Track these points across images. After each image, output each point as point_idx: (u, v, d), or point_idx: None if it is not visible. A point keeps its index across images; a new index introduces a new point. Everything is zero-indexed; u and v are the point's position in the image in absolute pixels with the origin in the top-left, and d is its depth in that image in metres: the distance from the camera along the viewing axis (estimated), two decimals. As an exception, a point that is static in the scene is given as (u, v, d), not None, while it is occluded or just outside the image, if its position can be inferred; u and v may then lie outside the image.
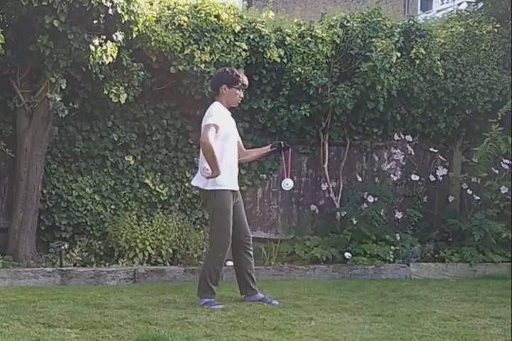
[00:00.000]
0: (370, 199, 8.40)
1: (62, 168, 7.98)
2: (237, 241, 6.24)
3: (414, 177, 8.85)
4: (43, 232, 7.88)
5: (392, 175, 8.61)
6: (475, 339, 5.16)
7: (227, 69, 6.29)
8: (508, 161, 8.57)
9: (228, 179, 6.08)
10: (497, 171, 8.61)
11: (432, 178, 8.92)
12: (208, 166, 5.91)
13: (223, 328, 5.25)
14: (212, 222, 6.18)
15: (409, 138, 8.79)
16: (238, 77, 6.14)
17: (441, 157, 8.97)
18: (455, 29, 9.03)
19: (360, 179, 8.78)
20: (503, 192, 8.59)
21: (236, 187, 6.22)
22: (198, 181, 6.18)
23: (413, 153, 8.85)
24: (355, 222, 8.35)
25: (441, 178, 8.93)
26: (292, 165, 6.55)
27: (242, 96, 6.24)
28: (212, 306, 5.96)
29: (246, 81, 6.24)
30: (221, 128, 5.99)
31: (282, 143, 6.38)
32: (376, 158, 8.88)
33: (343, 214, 8.62)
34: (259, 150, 6.69)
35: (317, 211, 8.75)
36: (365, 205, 8.39)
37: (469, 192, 8.94)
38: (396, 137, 8.80)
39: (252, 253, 6.36)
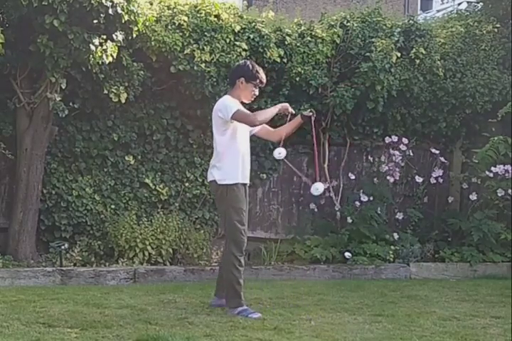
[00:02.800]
0: (364, 198, 8.40)
1: (62, 168, 7.98)
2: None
3: (418, 179, 8.85)
4: (43, 232, 7.88)
5: (388, 177, 8.61)
6: (475, 339, 5.17)
7: (248, 63, 6.10)
8: (502, 167, 8.54)
9: (239, 173, 5.87)
10: (491, 174, 8.60)
11: (433, 181, 8.91)
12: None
13: (223, 328, 5.25)
14: (226, 221, 5.91)
15: (405, 140, 8.75)
16: (257, 73, 5.98)
17: (441, 158, 8.96)
18: (455, 29, 9.04)
19: (356, 179, 8.79)
20: (499, 195, 8.58)
21: (247, 181, 5.99)
22: (211, 176, 5.97)
23: (411, 154, 8.85)
24: (350, 221, 8.35)
25: (441, 180, 8.91)
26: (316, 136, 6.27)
27: (256, 93, 6.06)
28: (249, 315, 5.68)
29: (264, 78, 6.05)
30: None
31: (305, 113, 6.11)
32: (376, 158, 8.89)
33: (341, 214, 8.64)
34: (290, 124, 6.20)
35: (316, 210, 8.75)
36: (359, 204, 8.40)
37: (469, 192, 8.95)
38: (387, 140, 8.76)
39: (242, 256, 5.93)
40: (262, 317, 5.62)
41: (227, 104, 5.87)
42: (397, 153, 8.69)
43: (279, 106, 6.14)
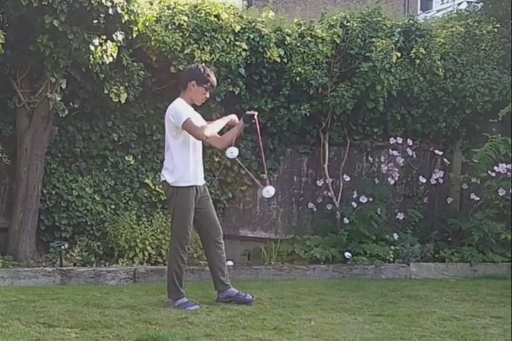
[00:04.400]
0: (363, 199, 8.40)
1: (62, 168, 7.98)
2: (207, 236, 6.28)
3: (422, 179, 8.84)
4: (43, 232, 7.88)
5: (389, 179, 8.60)
6: (475, 338, 5.17)
7: (200, 66, 6.29)
8: (504, 165, 8.55)
9: (190, 175, 6.06)
10: (493, 174, 8.60)
11: (433, 181, 8.91)
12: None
13: (223, 328, 5.26)
14: (173, 220, 6.16)
15: (409, 142, 8.75)
16: (208, 77, 6.14)
17: (445, 159, 8.95)
18: (455, 29, 9.04)
19: (356, 179, 8.79)
20: (500, 194, 8.58)
21: (200, 183, 6.18)
22: (163, 177, 6.17)
23: (414, 156, 8.85)
24: (347, 221, 8.35)
25: (441, 180, 8.91)
26: (261, 131, 6.50)
27: (207, 96, 6.24)
28: (187, 307, 5.94)
29: (215, 82, 6.25)
30: None
31: (248, 112, 6.32)
32: (376, 158, 8.88)
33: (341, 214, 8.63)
34: (234, 129, 6.39)
35: (315, 209, 8.75)
36: (358, 205, 8.40)
37: (469, 192, 8.94)
38: (392, 140, 8.77)
39: (222, 246, 6.30)
40: (262, 317, 5.62)
41: (179, 110, 6.06)
42: (395, 153, 8.68)
43: (227, 119, 6.31)
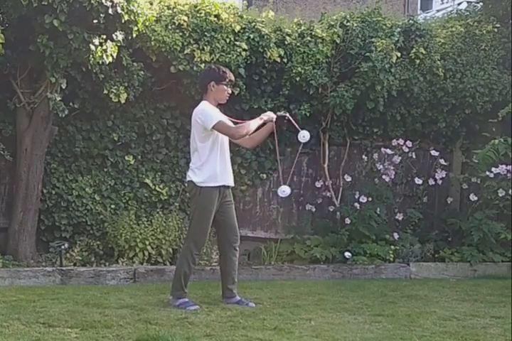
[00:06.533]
0: (363, 199, 8.39)
1: (62, 168, 7.99)
2: (225, 241, 6.24)
3: (418, 181, 8.84)
4: (43, 232, 7.88)
5: (384, 176, 8.59)
6: (475, 338, 5.17)
7: (213, 66, 6.33)
8: (504, 167, 8.54)
9: (218, 176, 6.05)
10: (492, 175, 8.59)
11: (432, 182, 8.91)
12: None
13: (223, 328, 5.26)
14: (192, 219, 6.14)
15: (409, 143, 8.74)
16: (225, 73, 6.17)
17: (441, 160, 8.95)
18: (455, 29, 9.04)
19: (356, 178, 8.79)
20: (500, 195, 8.57)
21: (228, 182, 6.16)
22: (189, 177, 6.16)
23: (414, 157, 8.84)
24: (348, 221, 8.35)
25: (440, 181, 8.91)
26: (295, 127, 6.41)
27: (230, 92, 6.25)
28: (187, 307, 5.93)
29: (232, 77, 6.27)
30: None
31: (279, 113, 6.33)
32: (376, 158, 8.88)
33: (341, 214, 8.63)
34: (262, 130, 6.33)
35: (313, 210, 8.75)
36: (358, 205, 8.40)
37: (469, 192, 8.94)
38: (394, 142, 8.76)
39: (237, 254, 6.30)
40: (262, 317, 5.62)
41: (208, 113, 6.04)
42: (388, 151, 8.68)
43: (264, 117, 6.26)
